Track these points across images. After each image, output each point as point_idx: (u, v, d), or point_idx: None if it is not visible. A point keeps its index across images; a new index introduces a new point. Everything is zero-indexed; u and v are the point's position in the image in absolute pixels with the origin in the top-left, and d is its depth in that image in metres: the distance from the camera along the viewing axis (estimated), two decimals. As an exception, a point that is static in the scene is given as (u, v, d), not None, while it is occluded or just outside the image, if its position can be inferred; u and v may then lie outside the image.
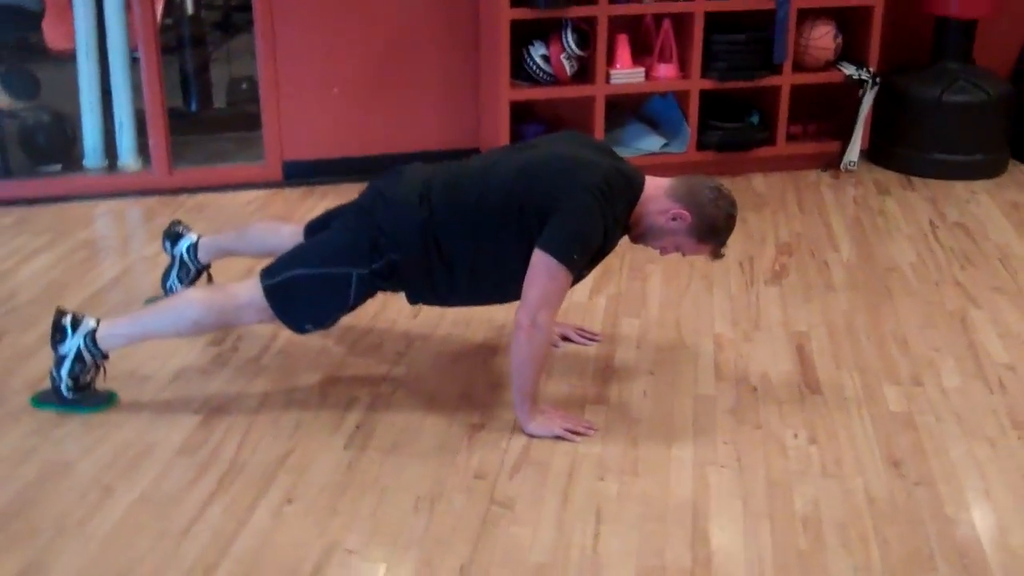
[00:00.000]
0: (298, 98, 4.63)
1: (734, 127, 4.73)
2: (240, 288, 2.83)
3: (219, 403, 2.90)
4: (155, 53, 4.49)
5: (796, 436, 2.73)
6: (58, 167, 4.86)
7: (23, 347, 3.23)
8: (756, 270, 3.77)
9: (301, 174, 4.70)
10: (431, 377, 3.05)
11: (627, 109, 4.87)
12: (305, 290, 2.77)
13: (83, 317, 2.83)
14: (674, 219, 2.76)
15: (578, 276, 2.75)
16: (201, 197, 4.59)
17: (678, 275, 3.72)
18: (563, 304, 3.27)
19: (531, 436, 2.74)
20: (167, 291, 3.35)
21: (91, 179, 4.71)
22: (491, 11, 4.48)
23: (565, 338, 3.24)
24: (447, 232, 2.71)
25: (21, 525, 2.42)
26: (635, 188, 2.76)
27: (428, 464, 2.64)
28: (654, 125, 4.84)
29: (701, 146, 4.70)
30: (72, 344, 2.79)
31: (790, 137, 4.82)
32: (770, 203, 4.47)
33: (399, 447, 2.72)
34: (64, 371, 2.80)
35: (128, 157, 4.80)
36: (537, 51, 4.48)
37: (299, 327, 2.83)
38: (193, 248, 3.33)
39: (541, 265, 2.64)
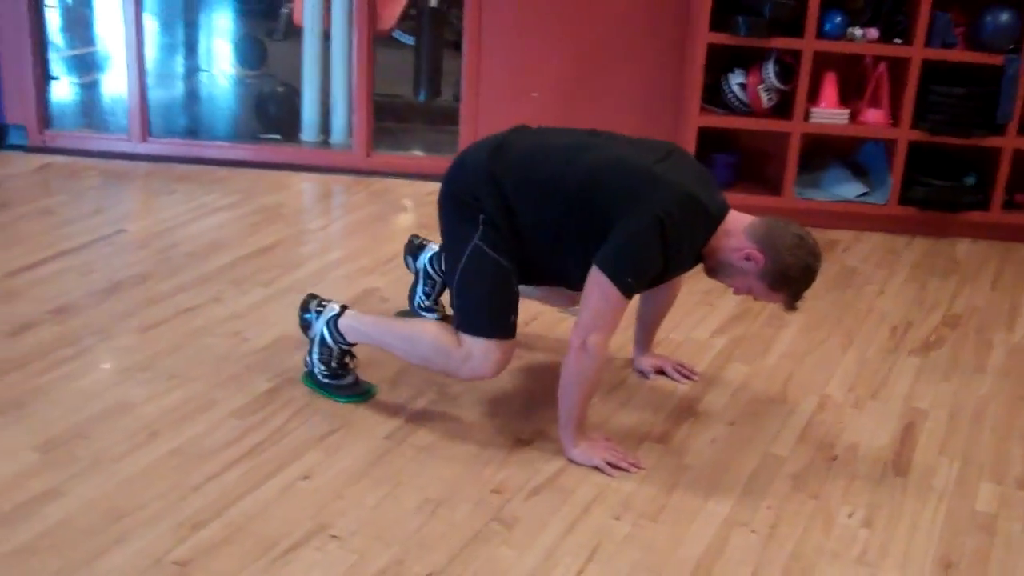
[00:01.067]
0: (497, 99, 4.68)
1: (944, 185, 4.33)
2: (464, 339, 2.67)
3: (293, 376, 2.96)
4: (367, 40, 4.68)
5: (851, 515, 2.46)
6: (278, 137, 5.16)
7: (156, 293, 3.45)
8: (908, 338, 3.43)
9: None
10: (502, 384, 2.98)
11: (833, 152, 4.58)
12: (472, 298, 2.66)
13: (328, 303, 2.86)
14: (747, 259, 2.57)
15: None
16: (388, 182, 4.73)
17: (819, 327, 3.46)
18: (677, 338, 3.12)
19: (571, 461, 2.63)
20: (415, 309, 3.29)
21: (295, 150, 4.97)
22: (691, 32, 4.35)
23: (660, 371, 3.09)
24: (516, 194, 2.61)
25: (64, 452, 2.57)
26: (712, 218, 2.59)
27: (453, 469, 2.59)
28: (862, 172, 4.53)
29: (904, 200, 4.33)
30: (317, 329, 2.83)
31: (1008, 205, 4.37)
32: (962, 272, 4.06)
33: (435, 448, 2.68)
34: (314, 356, 2.85)
35: (340, 135, 5.03)
36: (735, 79, 4.30)
37: (504, 331, 2.65)
38: (436, 258, 3.20)
39: (595, 284, 2.53)
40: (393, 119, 5.40)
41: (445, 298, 3.16)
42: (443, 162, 4.63)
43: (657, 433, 2.80)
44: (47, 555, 2.21)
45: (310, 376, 2.89)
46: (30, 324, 3.19)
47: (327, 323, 2.82)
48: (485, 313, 2.66)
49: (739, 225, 2.59)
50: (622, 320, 2.58)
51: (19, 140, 4.92)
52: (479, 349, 2.65)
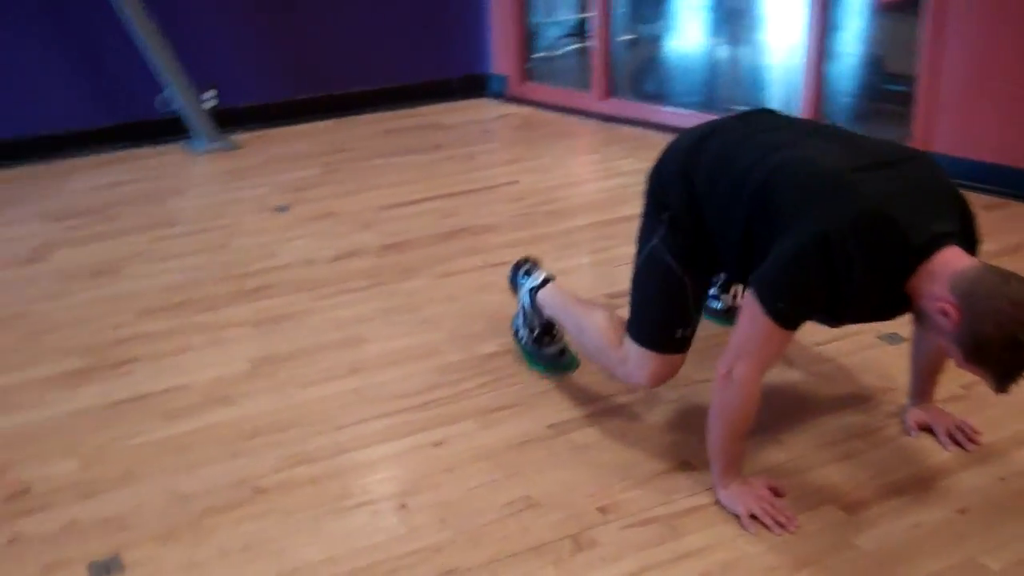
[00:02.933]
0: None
1: None
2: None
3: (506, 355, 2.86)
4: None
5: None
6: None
7: (484, 244, 3.52)
8: None
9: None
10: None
11: None
12: (640, 301, 2.39)
13: (534, 270, 2.78)
14: (943, 314, 1.93)
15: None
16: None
17: None
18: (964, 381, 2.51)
19: (720, 504, 2.22)
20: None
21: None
22: None
23: (925, 427, 2.46)
24: (705, 192, 2.25)
25: (267, 369, 2.77)
26: (909, 248, 1.96)
27: (583, 475, 2.31)
28: None
29: None
30: (522, 294, 2.78)
31: None
32: None
33: (587, 449, 2.41)
34: (519, 320, 2.80)
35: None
36: None
37: (665, 344, 2.35)
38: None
39: (747, 305, 2.09)
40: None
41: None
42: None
43: (850, 500, 2.24)
44: (168, 452, 2.40)
45: (516, 337, 2.80)
46: (357, 252, 3.43)
47: (529, 292, 2.70)
48: (648, 320, 2.35)
49: (949, 268, 1.94)
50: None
51: (499, 88, 5.26)
52: (635, 355, 2.34)
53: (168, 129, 4.60)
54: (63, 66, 4.51)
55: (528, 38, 5.45)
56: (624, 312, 2.45)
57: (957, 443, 2.41)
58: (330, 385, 2.68)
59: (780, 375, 2.72)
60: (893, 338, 2.85)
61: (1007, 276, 1.90)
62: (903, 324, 2.32)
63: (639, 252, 2.39)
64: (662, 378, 2.35)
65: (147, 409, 2.59)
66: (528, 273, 2.75)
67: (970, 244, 2.07)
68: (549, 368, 2.72)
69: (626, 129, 4.73)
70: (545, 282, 2.69)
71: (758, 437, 2.43)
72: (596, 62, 4.87)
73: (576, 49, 5.81)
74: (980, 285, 1.89)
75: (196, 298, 3.20)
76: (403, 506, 2.22)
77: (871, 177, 2.04)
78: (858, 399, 2.58)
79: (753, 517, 2.15)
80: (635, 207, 3.60)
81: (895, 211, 1.99)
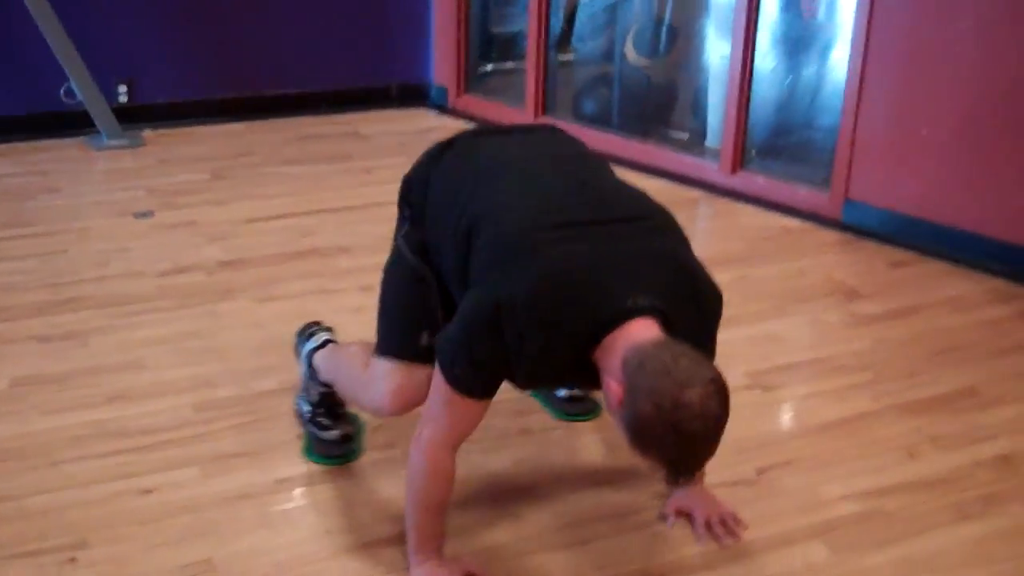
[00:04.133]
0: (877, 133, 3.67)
1: None
2: None
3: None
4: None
5: None
6: (684, 135, 4.61)
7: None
8: None
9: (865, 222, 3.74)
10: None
11: None
12: (382, 306, 2.17)
13: (318, 332, 2.50)
14: (610, 390, 1.68)
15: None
16: (751, 209, 3.96)
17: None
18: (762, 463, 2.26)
19: (408, 585, 1.99)
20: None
21: (677, 157, 4.37)
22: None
23: (686, 513, 2.19)
24: (431, 215, 2.07)
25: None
26: (593, 318, 1.72)
27: (275, 544, 2.10)
28: None
29: None
30: (302, 360, 2.48)
31: None
32: None
33: (300, 514, 2.20)
34: (301, 394, 2.49)
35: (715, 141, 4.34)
36: None
37: (407, 351, 2.08)
38: None
39: (436, 367, 1.86)
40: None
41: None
42: (817, 199, 3.86)
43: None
44: None
45: (300, 416, 2.48)
46: (191, 268, 3.26)
47: (307, 355, 2.43)
48: (391, 327, 2.11)
49: (629, 341, 1.69)
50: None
51: (440, 100, 5.05)
52: (379, 372, 2.10)
53: (78, 122, 4.46)
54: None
55: (487, 47, 5.23)
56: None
57: (716, 536, 2.13)
58: (76, 414, 2.50)
59: (545, 434, 2.47)
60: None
61: (679, 354, 1.63)
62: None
63: (388, 260, 2.17)
64: (405, 398, 2.06)
65: None
66: (311, 336, 2.46)
67: (691, 322, 1.80)
68: (324, 460, 2.35)
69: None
70: (325, 343, 2.42)
71: (495, 510, 2.20)
72: (530, 77, 4.63)
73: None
74: (649, 362, 1.63)
75: (5, 306, 3.05)
76: (72, 560, 2.02)
77: (572, 237, 1.80)
78: (629, 474, 2.32)
79: (433, 606, 1.92)
80: None
81: (587, 277, 1.74)
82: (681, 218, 1.93)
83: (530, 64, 4.63)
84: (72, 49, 4.30)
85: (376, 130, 4.79)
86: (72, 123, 4.47)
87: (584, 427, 2.52)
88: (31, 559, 2.02)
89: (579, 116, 4.76)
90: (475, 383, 1.81)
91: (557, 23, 4.72)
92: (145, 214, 3.73)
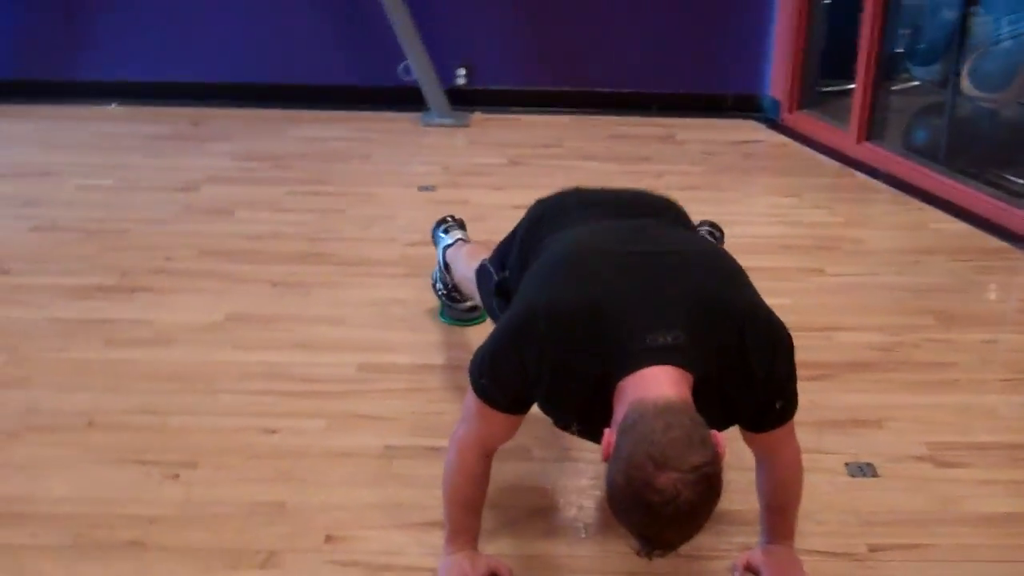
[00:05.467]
0: None
1: None
2: None
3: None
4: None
5: None
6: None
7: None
8: None
9: None
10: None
11: None
12: None
13: (452, 229, 2.88)
14: (605, 441, 1.59)
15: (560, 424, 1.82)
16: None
17: None
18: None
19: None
20: None
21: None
22: None
23: (753, 570, 2.00)
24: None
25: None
26: (607, 353, 1.64)
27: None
28: None
29: None
30: (438, 251, 2.87)
31: None
32: None
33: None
34: (436, 273, 2.91)
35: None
36: None
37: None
38: None
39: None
40: None
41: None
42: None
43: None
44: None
45: (435, 289, 2.91)
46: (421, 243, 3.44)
47: (442, 250, 2.82)
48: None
49: (637, 394, 1.58)
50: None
51: (773, 113, 4.87)
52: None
53: (413, 98, 4.80)
54: (330, 26, 4.89)
55: (836, 64, 4.96)
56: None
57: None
58: (258, 353, 2.75)
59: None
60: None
61: (674, 426, 1.50)
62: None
63: None
64: None
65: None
66: (446, 231, 2.83)
67: (735, 365, 1.67)
68: (456, 322, 2.89)
69: (877, 184, 4.17)
70: (456, 242, 2.77)
71: (565, 523, 2.14)
72: (856, 99, 4.34)
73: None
74: (641, 425, 1.53)
75: (263, 250, 3.38)
76: (175, 476, 2.26)
77: (616, 264, 1.73)
78: (723, 519, 2.16)
79: (447, 596, 1.92)
80: (769, 258, 3.23)
81: (617, 305, 1.66)
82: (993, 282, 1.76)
83: (858, 85, 4.35)
84: (412, 32, 4.63)
85: (692, 136, 4.72)
86: (408, 98, 4.83)
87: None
88: (143, 467, 2.27)
89: (908, 146, 4.39)
90: (499, 397, 1.79)
91: (897, 42, 4.39)
92: (428, 188, 3.96)
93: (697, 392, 1.64)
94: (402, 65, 4.77)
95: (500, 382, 1.77)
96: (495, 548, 2.02)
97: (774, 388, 1.75)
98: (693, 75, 4.98)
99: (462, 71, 4.97)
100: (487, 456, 1.89)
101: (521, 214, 2.23)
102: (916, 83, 4.61)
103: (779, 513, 2.00)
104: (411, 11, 4.62)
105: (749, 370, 1.69)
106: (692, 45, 4.94)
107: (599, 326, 1.65)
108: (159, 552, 2.02)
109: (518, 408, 1.81)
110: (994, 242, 3.66)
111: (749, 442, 1.90)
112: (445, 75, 4.86)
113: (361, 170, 4.20)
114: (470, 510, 1.96)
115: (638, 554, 1.54)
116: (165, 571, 1.97)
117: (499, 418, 1.82)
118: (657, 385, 1.58)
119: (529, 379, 1.71)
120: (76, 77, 4.99)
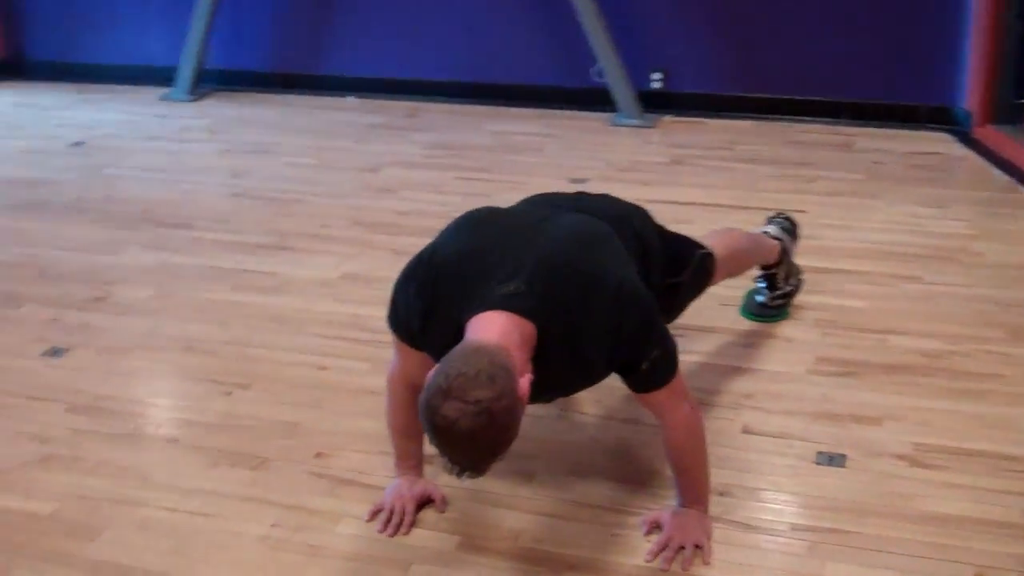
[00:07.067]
0: None
1: None
2: None
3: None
4: None
5: None
6: None
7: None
8: None
9: None
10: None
11: None
12: None
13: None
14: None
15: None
16: None
17: None
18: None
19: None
20: None
21: None
22: None
23: (656, 526, 2.19)
24: None
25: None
26: (465, 295, 1.92)
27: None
28: None
29: None
30: None
31: None
32: None
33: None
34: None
35: None
36: None
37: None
38: None
39: None
40: None
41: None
42: None
43: (505, 547, 2.19)
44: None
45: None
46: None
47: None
48: None
49: (470, 334, 1.85)
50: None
51: (966, 126, 4.74)
52: None
53: (605, 100, 5.08)
54: (532, 30, 5.27)
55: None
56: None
57: (665, 558, 2.13)
58: (351, 307, 3.18)
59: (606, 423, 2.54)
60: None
61: (471, 360, 1.75)
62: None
63: None
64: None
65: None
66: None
67: (576, 321, 1.91)
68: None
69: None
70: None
71: (513, 464, 2.40)
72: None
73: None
74: (448, 359, 1.79)
75: (404, 224, 3.83)
76: (229, 393, 2.74)
77: (501, 230, 2.04)
78: (645, 475, 2.36)
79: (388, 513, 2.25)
80: (868, 263, 3.43)
81: (482, 259, 1.96)
82: None
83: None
84: (603, 36, 4.92)
85: (871, 146, 4.69)
86: (600, 100, 5.12)
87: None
88: (206, 384, 2.77)
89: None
90: (402, 331, 2.10)
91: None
92: (579, 180, 4.25)
93: (545, 345, 1.88)
94: (595, 68, 5.07)
95: (398, 317, 2.09)
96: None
97: (630, 348, 1.94)
98: (882, 84, 4.93)
99: (657, 75, 5.20)
100: (412, 387, 2.11)
101: (652, 209, 2.49)
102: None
103: (683, 475, 2.18)
104: (606, 17, 4.91)
105: (595, 329, 1.90)
106: (882, 54, 4.89)
107: (463, 275, 1.93)
108: (185, 448, 2.50)
109: (408, 339, 2.08)
110: None
111: (640, 404, 2.10)
112: (640, 78, 5.11)
113: (527, 162, 4.56)
114: (408, 437, 2.27)
115: (449, 472, 1.80)
116: (183, 461, 2.44)
117: (408, 351, 2.11)
118: (484, 329, 1.83)
119: (412, 314, 2.01)
120: (322, 71, 5.69)
